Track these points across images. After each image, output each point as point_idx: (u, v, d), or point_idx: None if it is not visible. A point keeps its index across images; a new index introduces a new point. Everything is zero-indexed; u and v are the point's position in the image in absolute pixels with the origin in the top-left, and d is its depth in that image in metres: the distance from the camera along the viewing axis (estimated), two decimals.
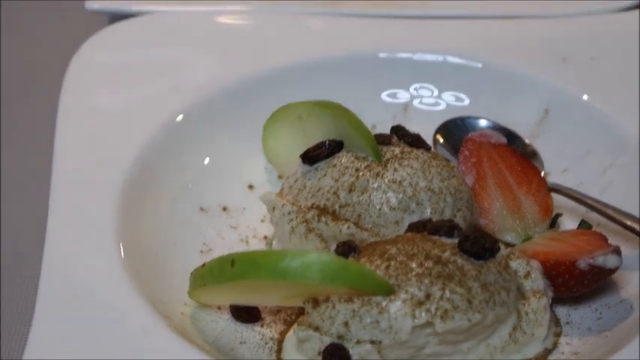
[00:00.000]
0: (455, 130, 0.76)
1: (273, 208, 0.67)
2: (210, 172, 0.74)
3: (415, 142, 0.69)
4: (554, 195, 0.69)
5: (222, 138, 0.75)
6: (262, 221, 0.71)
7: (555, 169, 0.74)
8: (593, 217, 0.68)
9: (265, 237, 0.70)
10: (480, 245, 0.59)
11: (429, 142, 0.74)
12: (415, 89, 0.78)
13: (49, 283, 0.60)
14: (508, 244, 0.65)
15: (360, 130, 0.67)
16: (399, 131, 0.70)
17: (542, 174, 0.73)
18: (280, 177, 0.74)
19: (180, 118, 0.74)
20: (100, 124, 0.72)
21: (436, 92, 0.78)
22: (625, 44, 0.80)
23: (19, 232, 0.72)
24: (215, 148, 0.75)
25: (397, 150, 0.67)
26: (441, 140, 0.76)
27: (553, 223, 0.69)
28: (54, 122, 0.72)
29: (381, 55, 0.80)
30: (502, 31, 0.82)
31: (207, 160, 0.74)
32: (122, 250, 0.62)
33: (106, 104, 0.73)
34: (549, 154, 0.75)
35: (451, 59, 0.79)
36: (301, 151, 0.68)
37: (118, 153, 0.69)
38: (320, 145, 0.67)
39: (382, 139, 0.68)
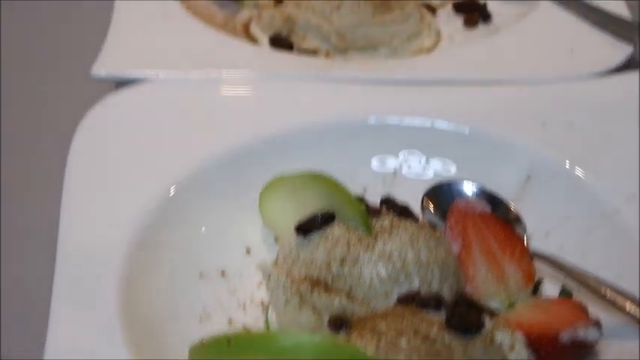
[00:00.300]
0: (442, 194, 0.74)
1: (269, 276, 0.66)
2: (210, 237, 0.72)
3: (404, 212, 0.67)
4: (536, 260, 0.68)
5: (221, 203, 0.73)
6: (259, 286, 0.69)
7: (537, 233, 0.73)
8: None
9: (262, 303, 0.69)
10: (466, 321, 0.57)
11: (418, 205, 0.73)
12: (404, 155, 0.77)
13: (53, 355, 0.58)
14: (492, 313, 0.64)
15: (350, 202, 0.65)
16: (388, 202, 0.68)
17: (525, 238, 0.71)
18: (277, 239, 0.72)
19: (180, 186, 0.72)
20: (106, 194, 0.70)
21: (424, 159, 0.76)
22: (603, 110, 0.79)
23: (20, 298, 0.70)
24: (214, 213, 0.73)
25: (387, 221, 0.65)
26: (429, 204, 0.74)
27: (536, 289, 0.67)
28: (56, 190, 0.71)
29: (371, 121, 0.78)
30: (486, 97, 0.80)
31: (206, 226, 0.72)
32: (123, 322, 0.61)
33: (108, 177, 0.72)
34: (532, 217, 0.73)
35: (438, 125, 0.77)
36: (296, 220, 0.66)
37: (120, 225, 0.68)
38: (313, 218, 0.66)
39: (372, 211, 0.66)
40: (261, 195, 0.71)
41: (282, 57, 0.87)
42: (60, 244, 0.66)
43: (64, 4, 1.00)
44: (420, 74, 0.83)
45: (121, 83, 0.81)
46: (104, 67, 0.82)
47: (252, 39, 0.96)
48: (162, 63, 0.83)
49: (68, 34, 0.95)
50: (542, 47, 0.87)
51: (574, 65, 0.83)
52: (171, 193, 0.72)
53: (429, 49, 0.95)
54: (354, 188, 0.75)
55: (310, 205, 0.67)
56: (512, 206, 0.73)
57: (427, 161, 0.76)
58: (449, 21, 1.01)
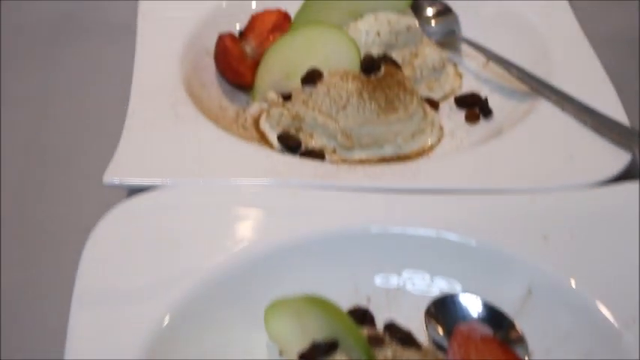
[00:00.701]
0: (445, 308, 0.70)
1: None
2: (216, 350, 0.68)
3: (406, 340, 0.63)
4: None
5: (227, 316, 0.70)
6: None
7: (538, 349, 0.68)
8: None
9: None
10: None
11: (421, 319, 0.69)
12: (408, 274, 0.72)
13: None
14: None
15: (353, 332, 0.61)
16: (391, 329, 0.64)
17: (527, 358, 0.67)
18: (282, 353, 0.68)
19: (185, 301, 0.68)
20: (115, 308, 0.67)
21: (428, 277, 0.72)
22: (604, 222, 0.74)
23: None
24: (221, 325, 0.69)
25: (389, 351, 0.61)
26: (433, 318, 0.70)
27: None
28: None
29: (374, 230, 0.74)
30: (487, 207, 0.76)
31: (212, 338, 0.68)
32: None
33: (117, 292, 0.68)
34: (533, 332, 0.69)
35: (442, 237, 0.73)
36: (300, 341, 0.63)
37: (127, 344, 0.64)
38: (316, 347, 0.62)
39: (375, 340, 0.62)
40: (266, 314, 0.67)
41: (289, 162, 0.83)
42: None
43: (80, 105, 0.96)
44: (421, 184, 0.79)
45: (134, 190, 0.78)
46: (116, 174, 0.78)
47: (261, 134, 0.93)
48: (173, 170, 0.80)
49: (83, 138, 0.92)
50: (542, 153, 0.82)
51: (574, 174, 0.79)
52: (178, 308, 0.68)
53: (433, 146, 0.91)
54: (358, 299, 0.72)
55: (313, 330, 0.63)
56: (516, 324, 0.69)
57: (432, 279, 0.72)
58: (451, 114, 0.97)
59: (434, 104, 0.97)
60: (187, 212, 0.75)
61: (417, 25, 0.99)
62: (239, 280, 0.71)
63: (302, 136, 0.91)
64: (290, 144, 0.90)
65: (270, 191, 0.78)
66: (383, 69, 0.91)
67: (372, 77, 0.90)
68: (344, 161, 0.89)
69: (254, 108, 0.96)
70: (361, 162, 0.89)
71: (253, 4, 1.04)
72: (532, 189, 0.77)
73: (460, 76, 1.02)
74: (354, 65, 0.91)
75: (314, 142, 0.90)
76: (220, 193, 0.77)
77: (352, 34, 0.95)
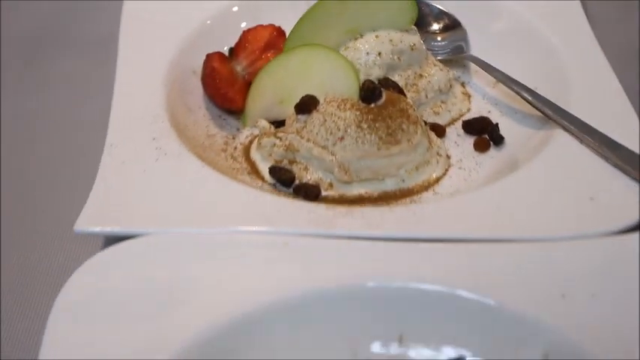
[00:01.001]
0: None
1: None
2: None
3: None
4: None
5: None
6: None
7: None
8: None
9: None
10: None
11: None
12: (411, 338, 0.66)
13: None
14: None
15: None
16: None
17: None
18: None
19: None
20: None
21: (433, 343, 0.65)
22: (627, 276, 0.67)
23: None
24: None
25: None
26: None
27: None
28: None
29: (373, 285, 0.67)
30: (499, 259, 0.69)
31: None
32: None
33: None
34: None
35: (451, 293, 0.66)
36: None
37: None
38: None
39: None
40: None
41: (281, 205, 0.76)
42: None
43: (57, 134, 0.90)
44: (426, 232, 0.72)
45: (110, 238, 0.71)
46: (89, 222, 0.71)
47: (252, 164, 0.86)
48: (152, 217, 0.72)
49: (57, 176, 0.85)
50: (559, 195, 0.74)
51: (595, 219, 0.71)
52: None
53: (439, 179, 0.84)
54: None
55: None
56: None
57: (438, 345, 0.65)
58: (459, 140, 0.89)
59: (440, 130, 0.90)
60: (165, 267, 0.68)
61: (422, 43, 0.92)
62: (222, 347, 0.64)
63: (296, 169, 0.84)
64: (282, 178, 0.83)
65: (259, 240, 0.71)
66: (384, 95, 0.84)
67: (372, 105, 0.83)
68: (341, 197, 0.82)
69: (244, 135, 0.90)
70: (360, 197, 0.82)
71: (243, 24, 0.97)
72: (549, 238, 0.70)
73: (469, 96, 0.95)
74: (353, 91, 0.84)
75: (309, 176, 0.83)
76: (203, 243, 0.70)
77: (352, 55, 0.88)
